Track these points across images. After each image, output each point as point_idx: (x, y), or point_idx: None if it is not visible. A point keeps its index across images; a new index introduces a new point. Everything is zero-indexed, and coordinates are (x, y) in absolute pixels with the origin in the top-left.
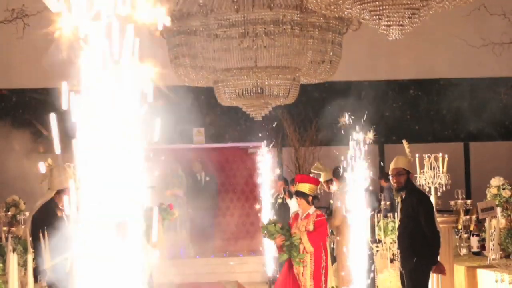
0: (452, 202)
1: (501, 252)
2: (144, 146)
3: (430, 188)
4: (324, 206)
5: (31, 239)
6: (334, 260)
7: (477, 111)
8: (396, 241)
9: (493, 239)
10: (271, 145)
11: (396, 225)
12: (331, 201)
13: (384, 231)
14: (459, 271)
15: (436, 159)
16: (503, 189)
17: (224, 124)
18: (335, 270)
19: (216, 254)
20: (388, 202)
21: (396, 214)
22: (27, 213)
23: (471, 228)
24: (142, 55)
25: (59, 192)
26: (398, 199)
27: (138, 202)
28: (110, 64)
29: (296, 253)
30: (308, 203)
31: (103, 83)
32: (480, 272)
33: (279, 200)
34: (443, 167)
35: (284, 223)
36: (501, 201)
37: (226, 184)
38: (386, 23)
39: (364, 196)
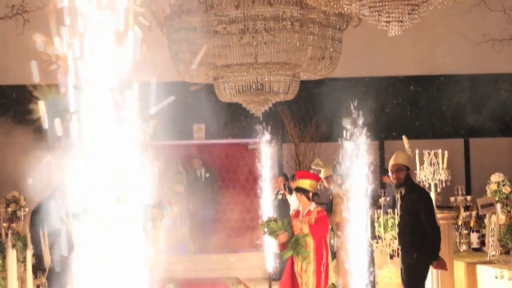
0: (452, 198)
1: (500, 248)
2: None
3: (430, 184)
4: (324, 202)
5: (30, 235)
6: (333, 256)
7: (477, 107)
8: (397, 237)
9: (493, 235)
10: (271, 141)
11: (396, 222)
12: (331, 198)
13: (384, 228)
14: (459, 267)
15: (436, 155)
16: (503, 185)
17: (224, 121)
18: (334, 267)
19: (216, 250)
20: (388, 198)
21: (396, 210)
22: (27, 209)
23: (471, 224)
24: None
25: (58, 189)
26: (398, 196)
27: (138, 200)
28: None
29: (302, 250)
30: (309, 199)
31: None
32: (480, 268)
33: (279, 197)
34: (443, 163)
35: (284, 219)
36: (501, 197)
37: (226, 180)
38: (385, 19)
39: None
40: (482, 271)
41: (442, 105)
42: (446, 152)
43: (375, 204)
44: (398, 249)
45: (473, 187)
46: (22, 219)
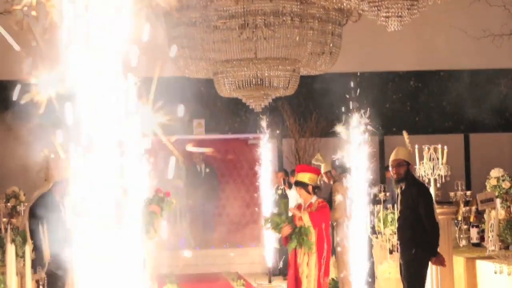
0: (451, 194)
1: (500, 243)
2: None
3: (429, 179)
4: (324, 197)
5: (29, 230)
6: (333, 252)
7: (477, 102)
8: (396, 232)
9: (492, 231)
10: (271, 136)
11: (396, 217)
12: (331, 193)
13: (383, 223)
14: (458, 262)
15: (435, 150)
16: (503, 180)
17: (224, 116)
18: (334, 262)
19: (216, 245)
20: (387, 193)
21: (395, 205)
22: (26, 204)
23: (471, 220)
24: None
25: (57, 184)
26: (398, 191)
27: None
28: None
29: (307, 239)
30: (309, 193)
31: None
32: (479, 263)
33: (279, 192)
34: (442, 159)
35: (285, 213)
36: (501, 192)
37: (226, 176)
38: (385, 14)
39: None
40: (482, 266)
41: (442, 100)
42: (445, 147)
43: (375, 199)
44: (397, 244)
45: (473, 182)
46: (22, 214)
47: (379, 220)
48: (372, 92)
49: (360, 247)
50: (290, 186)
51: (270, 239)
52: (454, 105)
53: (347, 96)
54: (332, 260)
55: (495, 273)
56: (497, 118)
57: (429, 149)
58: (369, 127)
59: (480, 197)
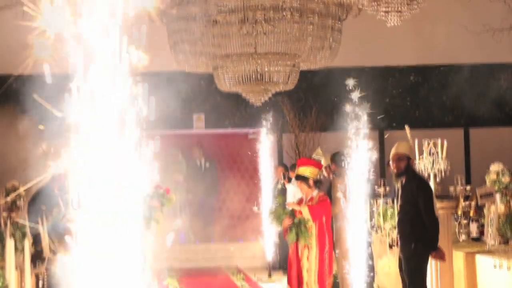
0: (451, 188)
1: (500, 238)
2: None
3: (429, 174)
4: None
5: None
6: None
7: (477, 97)
8: (397, 227)
9: (492, 225)
10: (271, 131)
11: (395, 211)
12: (330, 187)
13: (383, 217)
14: (458, 257)
15: (435, 144)
16: (503, 175)
17: (224, 110)
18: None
19: (216, 239)
20: (387, 188)
21: (395, 200)
22: (26, 198)
23: (471, 214)
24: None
25: (55, 178)
26: (398, 185)
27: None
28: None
29: (305, 230)
30: (309, 186)
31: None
32: (479, 258)
33: (279, 186)
34: (442, 153)
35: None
36: (500, 187)
37: (226, 170)
38: (384, 9)
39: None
40: (481, 260)
41: (442, 95)
42: (445, 142)
43: (374, 194)
44: (397, 238)
45: (473, 176)
46: (22, 208)
47: (379, 215)
48: (372, 86)
49: (360, 242)
50: (289, 181)
51: (270, 234)
52: (454, 99)
53: (347, 91)
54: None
55: (495, 267)
56: (497, 112)
57: (428, 143)
58: (369, 122)
59: (480, 191)
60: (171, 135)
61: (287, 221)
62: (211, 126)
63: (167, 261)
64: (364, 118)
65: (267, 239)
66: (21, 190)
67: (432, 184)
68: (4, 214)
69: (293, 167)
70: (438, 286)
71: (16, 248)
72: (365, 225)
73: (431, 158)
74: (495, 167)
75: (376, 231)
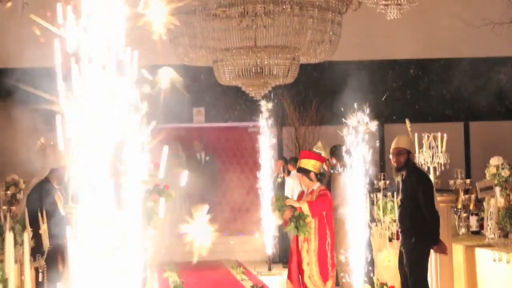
0: (451, 182)
1: (499, 231)
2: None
3: (429, 167)
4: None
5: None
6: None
7: (477, 90)
8: (397, 220)
9: (492, 219)
10: (271, 124)
11: (395, 204)
12: (330, 180)
13: (383, 211)
14: (458, 251)
15: (435, 138)
16: (502, 168)
17: (224, 104)
18: None
19: (216, 233)
20: (387, 182)
21: (395, 193)
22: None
23: (471, 208)
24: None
25: (54, 171)
26: (398, 179)
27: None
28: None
29: (303, 223)
30: (311, 180)
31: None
32: (479, 251)
33: (279, 180)
34: (442, 147)
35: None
36: (500, 180)
37: (226, 164)
38: (384, 2)
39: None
40: (481, 254)
41: (442, 89)
42: (445, 135)
43: (373, 187)
44: (397, 232)
45: (473, 170)
46: (21, 202)
47: (379, 208)
48: (372, 80)
49: (359, 235)
50: (289, 174)
51: (269, 227)
52: (454, 93)
53: (347, 85)
54: None
55: (494, 261)
56: (497, 106)
57: (428, 137)
58: (369, 115)
59: (480, 185)
60: (171, 129)
61: (288, 213)
62: (211, 119)
63: (167, 255)
64: (364, 111)
65: (267, 232)
66: (21, 183)
67: (432, 177)
68: (4, 207)
69: (292, 160)
70: (438, 280)
71: (15, 242)
72: (364, 219)
73: (431, 151)
74: (494, 160)
75: (376, 224)
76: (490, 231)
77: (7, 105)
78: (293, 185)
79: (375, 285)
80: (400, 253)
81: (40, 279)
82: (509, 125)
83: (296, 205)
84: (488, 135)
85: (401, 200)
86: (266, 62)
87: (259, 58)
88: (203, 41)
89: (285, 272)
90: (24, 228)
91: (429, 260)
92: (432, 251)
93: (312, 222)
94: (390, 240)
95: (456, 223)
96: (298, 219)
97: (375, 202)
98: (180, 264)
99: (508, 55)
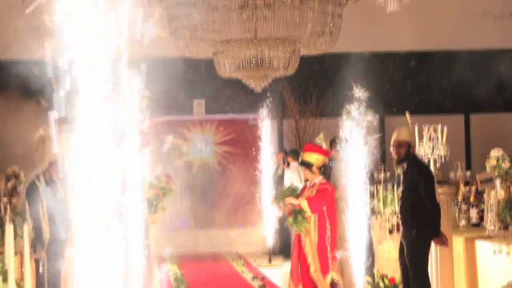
0: (451, 174)
1: (499, 223)
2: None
3: (429, 159)
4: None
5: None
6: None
7: (477, 83)
8: (398, 212)
9: (492, 211)
10: (271, 116)
11: (395, 196)
12: (331, 173)
13: (383, 203)
14: (458, 242)
15: (435, 130)
16: (503, 160)
17: (224, 96)
18: None
19: (216, 225)
20: (388, 173)
21: (395, 185)
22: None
23: (471, 200)
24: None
25: (53, 163)
26: (399, 171)
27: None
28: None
29: (301, 219)
30: (313, 173)
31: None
32: (479, 243)
33: (279, 172)
34: (442, 139)
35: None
36: (501, 172)
37: (227, 156)
38: None
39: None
40: (481, 246)
41: (443, 81)
42: (445, 127)
43: (372, 179)
44: (398, 224)
45: (473, 162)
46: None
47: (379, 200)
48: (372, 72)
49: (359, 227)
50: (288, 166)
51: (270, 220)
52: (454, 85)
53: (347, 77)
54: None
55: (494, 253)
56: (498, 98)
57: (429, 129)
58: (369, 108)
59: (480, 177)
60: (171, 120)
61: (289, 207)
62: (211, 111)
63: (168, 247)
64: (364, 103)
65: (268, 225)
66: (21, 175)
67: (432, 169)
68: (4, 199)
69: (291, 152)
70: (438, 271)
71: (15, 234)
72: (364, 211)
73: (431, 143)
74: (495, 152)
75: (376, 216)
76: (490, 223)
77: (7, 97)
78: (292, 177)
79: (375, 277)
80: (401, 244)
81: (40, 271)
82: (510, 117)
83: (295, 202)
84: (488, 127)
85: (402, 192)
86: (266, 54)
87: (259, 51)
88: (203, 33)
89: (285, 264)
90: (24, 220)
91: (430, 252)
92: (432, 243)
93: (312, 216)
94: (391, 232)
95: (456, 215)
96: (297, 214)
97: (375, 195)
98: (181, 256)
99: (508, 47)
